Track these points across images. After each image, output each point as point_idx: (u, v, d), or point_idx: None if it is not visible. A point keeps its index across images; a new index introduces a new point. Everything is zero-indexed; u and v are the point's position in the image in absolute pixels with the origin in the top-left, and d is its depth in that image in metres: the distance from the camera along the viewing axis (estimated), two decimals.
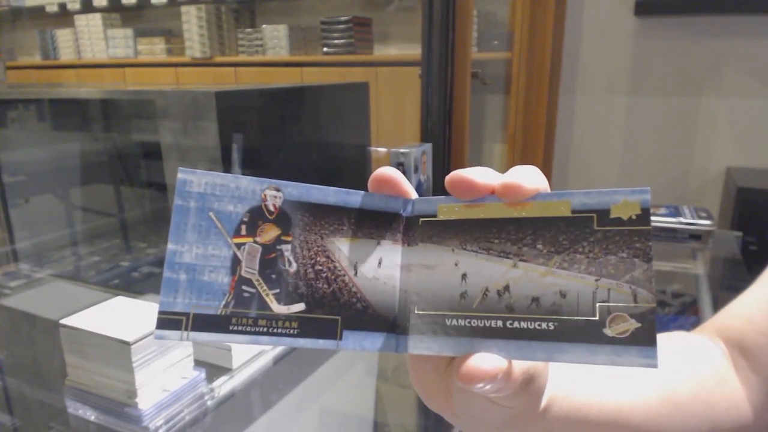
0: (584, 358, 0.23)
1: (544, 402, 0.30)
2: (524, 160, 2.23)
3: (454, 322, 0.26)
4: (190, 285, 0.25)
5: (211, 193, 0.25)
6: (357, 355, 1.02)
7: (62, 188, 1.54)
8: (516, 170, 0.26)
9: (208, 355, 0.78)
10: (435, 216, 0.27)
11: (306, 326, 0.26)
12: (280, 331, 0.25)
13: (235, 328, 0.25)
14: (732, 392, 0.41)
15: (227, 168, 0.99)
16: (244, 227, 0.26)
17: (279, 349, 0.84)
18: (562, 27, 2.24)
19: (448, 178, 0.27)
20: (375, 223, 0.28)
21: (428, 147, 1.40)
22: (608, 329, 0.23)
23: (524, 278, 0.25)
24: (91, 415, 0.67)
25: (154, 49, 3.58)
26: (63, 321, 0.68)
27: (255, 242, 0.26)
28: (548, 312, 0.24)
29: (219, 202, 0.25)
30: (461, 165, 1.55)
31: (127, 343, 0.63)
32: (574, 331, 0.24)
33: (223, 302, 0.25)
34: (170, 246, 0.25)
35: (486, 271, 0.26)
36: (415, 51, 1.87)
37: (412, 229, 0.28)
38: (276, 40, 3.15)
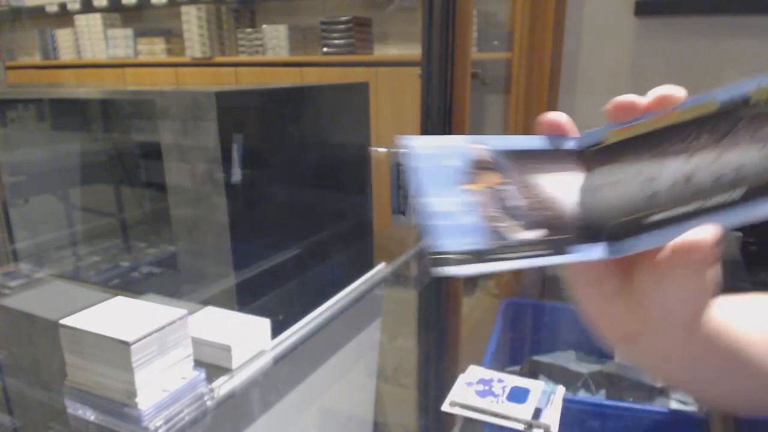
0: None
1: (711, 314, 0.32)
2: None
3: (652, 218, 0.30)
4: (449, 228, 0.29)
5: (437, 153, 0.31)
6: (357, 355, 1.02)
7: (62, 188, 1.54)
8: (658, 88, 0.31)
9: (208, 355, 0.78)
10: (602, 143, 0.33)
11: (541, 247, 0.31)
12: (525, 254, 0.30)
13: (493, 257, 0.29)
14: None
15: (227, 168, 0.99)
16: (471, 176, 0.31)
17: (279, 349, 0.84)
18: (562, 27, 2.24)
19: (610, 104, 0.32)
20: (560, 158, 0.34)
21: None
22: None
23: (702, 165, 0.29)
24: (90, 416, 0.67)
25: (154, 49, 3.58)
26: (63, 321, 0.68)
27: (486, 187, 0.31)
28: (732, 185, 0.27)
29: (446, 159, 0.31)
30: None
31: (126, 343, 0.63)
32: (760, 190, 0.27)
33: (479, 238, 0.29)
34: (421, 199, 0.29)
35: (667, 169, 0.30)
36: (415, 51, 1.87)
37: (590, 157, 0.34)
38: (276, 40, 3.14)
